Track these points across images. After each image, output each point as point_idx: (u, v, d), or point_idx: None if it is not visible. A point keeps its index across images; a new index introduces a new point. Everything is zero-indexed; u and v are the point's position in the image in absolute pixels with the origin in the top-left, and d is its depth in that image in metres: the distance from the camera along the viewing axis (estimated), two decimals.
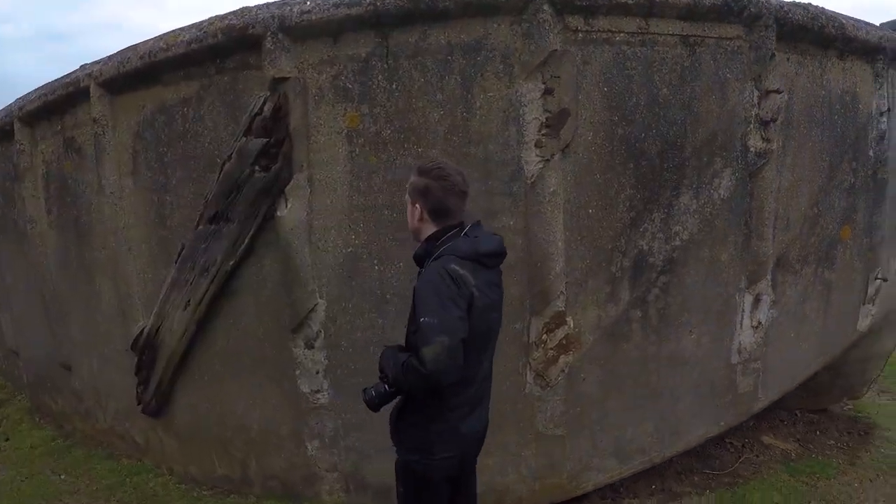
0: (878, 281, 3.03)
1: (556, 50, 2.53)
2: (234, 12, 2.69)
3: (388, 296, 2.81)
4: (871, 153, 3.14)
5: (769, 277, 2.98)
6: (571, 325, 2.85)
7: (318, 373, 2.93)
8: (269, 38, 2.57)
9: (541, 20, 2.51)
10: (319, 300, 2.83)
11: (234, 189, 2.71)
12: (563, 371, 2.84)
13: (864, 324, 3.22)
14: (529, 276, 2.73)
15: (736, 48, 2.74)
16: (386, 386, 1.95)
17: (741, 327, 3.01)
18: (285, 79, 2.60)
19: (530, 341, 2.76)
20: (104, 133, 3.06)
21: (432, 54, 2.58)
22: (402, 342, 2.02)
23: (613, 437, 3.04)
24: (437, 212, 1.99)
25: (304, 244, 2.76)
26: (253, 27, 2.59)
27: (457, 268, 1.90)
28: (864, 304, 3.19)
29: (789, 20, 2.75)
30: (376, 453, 2.91)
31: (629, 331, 2.92)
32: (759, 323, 2.98)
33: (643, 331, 2.94)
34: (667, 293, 2.92)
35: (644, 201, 2.79)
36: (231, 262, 2.86)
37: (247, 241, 2.79)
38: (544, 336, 2.76)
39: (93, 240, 3.38)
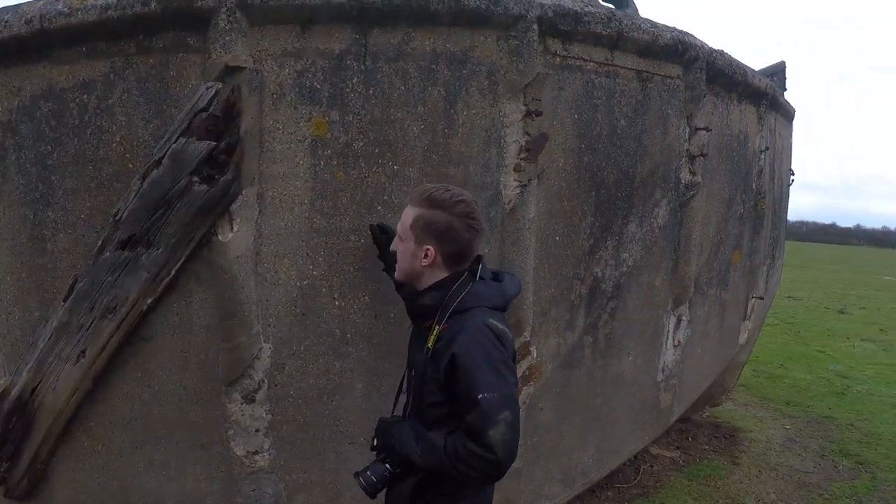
0: (755, 299, 3.54)
1: (539, 72, 2.44)
2: None
3: (348, 336, 2.39)
4: (754, 186, 3.63)
5: (697, 300, 3.26)
6: (535, 356, 2.74)
7: (257, 430, 2.37)
8: (223, 15, 2.01)
9: (529, 39, 2.38)
10: (264, 344, 2.31)
11: (163, 205, 2.05)
12: (525, 403, 2.73)
13: (743, 338, 3.72)
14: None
15: (676, 87, 2.93)
16: (389, 467, 1.69)
17: (665, 347, 3.23)
18: (239, 69, 2.06)
19: None
20: None
21: (416, 60, 2.28)
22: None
23: (563, 463, 3.00)
24: (455, 256, 1.68)
25: (250, 276, 2.21)
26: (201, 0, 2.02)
27: (497, 323, 1.64)
28: (744, 320, 3.69)
29: (715, 65, 3.02)
30: None
31: (582, 357, 2.91)
32: (679, 342, 3.23)
33: (593, 356, 2.96)
34: (613, 318, 2.99)
35: (601, 229, 2.83)
36: (150, 300, 2.18)
37: (173, 272, 2.16)
38: None
39: None
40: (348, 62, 2.21)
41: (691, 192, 3.04)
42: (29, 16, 2.02)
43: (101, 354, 2.19)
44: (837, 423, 4.90)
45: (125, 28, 2.04)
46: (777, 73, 3.77)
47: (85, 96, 2.13)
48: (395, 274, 1.80)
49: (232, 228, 2.15)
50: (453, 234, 1.64)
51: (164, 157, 2.04)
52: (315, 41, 2.18)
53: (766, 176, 3.59)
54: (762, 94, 3.48)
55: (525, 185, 2.51)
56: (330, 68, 2.20)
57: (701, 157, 2.99)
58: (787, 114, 3.97)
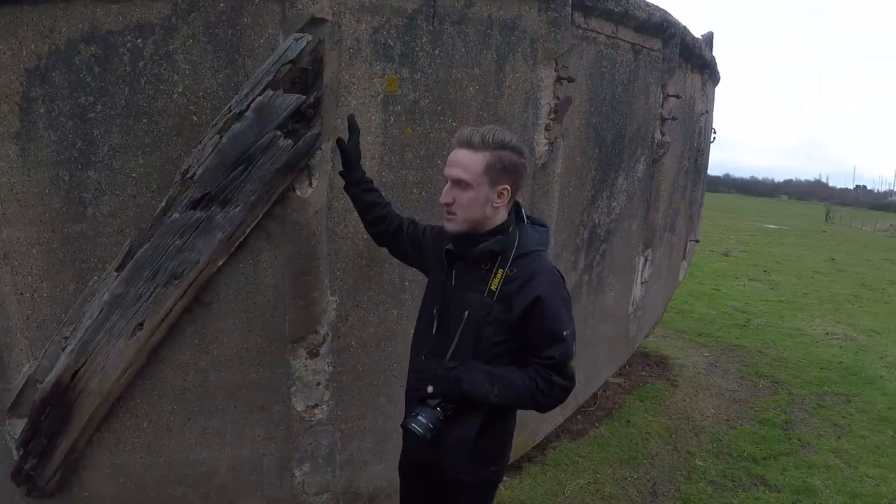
0: (692, 242, 4.11)
1: (570, 43, 2.59)
2: None
3: (406, 283, 2.46)
4: (696, 144, 4.14)
5: (660, 243, 3.73)
6: None
7: (318, 384, 2.37)
8: None
9: (565, 13, 2.51)
10: (331, 297, 2.29)
11: (244, 161, 1.90)
12: None
13: (682, 275, 4.31)
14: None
15: (657, 59, 3.25)
16: (441, 411, 1.65)
17: (636, 284, 3.69)
18: (322, 22, 1.94)
19: None
20: None
21: (475, 25, 2.31)
22: (425, 337, 1.75)
23: None
24: (517, 195, 1.71)
25: (323, 232, 2.18)
26: None
27: (556, 267, 1.76)
28: (683, 259, 4.27)
29: (686, 41, 3.40)
30: (372, 459, 2.59)
31: (580, 293, 3.25)
32: (645, 279, 3.71)
33: (587, 293, 3.31)
34: (604, 259, 3.36)
35: (600, 181, 3.13)
36: (220, 263, 2.03)
37: (248, 231, 2.02)
38: None
39: None
40: (419, 22, 2.19)
41: (662, 151, 3.44)
42: None
43: (161, 326, 2.00)
44: (747, 350, 5.54)
45: None
46: (708, 42, 4.29)
47: (140, 41, 1.86)
48: (453, 226, 1.68)
49: (311, 184, 2.07)
50: (524, 170, 1.68)
51: (246, 109, 1.88)
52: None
53: (704, 135, 4.14)
54: (707, 65, 3.97)
55: (553, 143, 2.71)
56: (402, 26, 2.16)
57: (671, 120, 3.40)
58: (716, 80, 4.56)
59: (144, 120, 1.91)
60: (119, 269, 1.95)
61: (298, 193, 2.06)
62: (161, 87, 1.90)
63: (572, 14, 2.59)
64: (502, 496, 2.80)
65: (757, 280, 9.62)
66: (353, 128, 1.92)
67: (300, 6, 1.90)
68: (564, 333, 1.63)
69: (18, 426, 2.03)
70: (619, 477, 3.10)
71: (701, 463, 3.25)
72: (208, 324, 2.14)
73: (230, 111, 1.90)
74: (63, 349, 1.98)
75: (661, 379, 4.51)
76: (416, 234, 1.92)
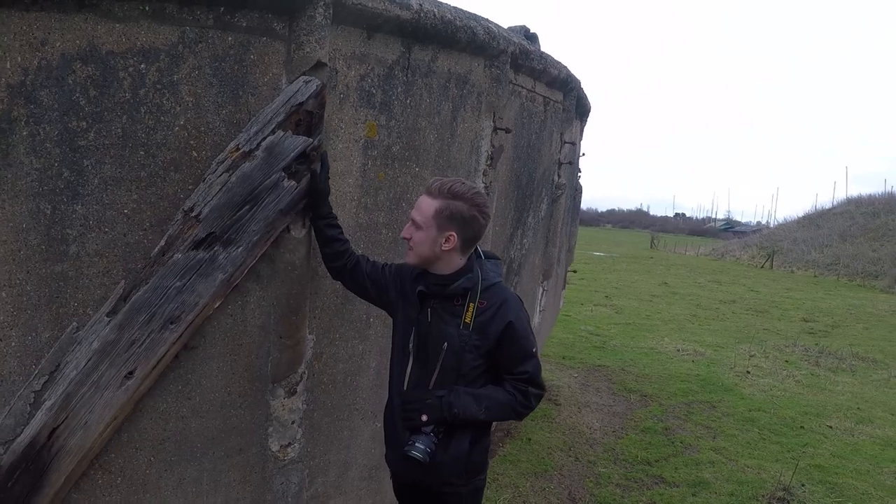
0: (570, 272, 4.69)
1: (507, 97, 2.94)
2: None
3: (371, 319, 2.53)
4: (574, 183, 4.75)
5: (553, 274, 4.20)
6: None
7: (293, 423, 2.30)
8: (320, 8, 1.92)
9: (505, 70, 2.85)
10: (309, 335, 2.26)
11: (251, 200, 1.84)
12: None
13: (562, 302, 4.84)
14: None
15: (558, 110, 3.77)
16: (434, 436, 1.81)
17: (536, 312, 4.11)
18: (322, 66, 1.98)
19: None
20: None
21: (438, 78, 2.52)
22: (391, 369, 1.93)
23: None
24: (470, 241, 1.85)
25: (308, 271, 2.16)
26: None
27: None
28: (563, 288, 4.82)
29: (580, 92, 3.99)
30: (334, 493, 2.58)
31: None
32: (542, 307, 4.15)
33: None
34: (516, 290, 3.73)
35: (516, 220, 3.50)
36: (216, 305, 1.89)
37: (244, 272, 1.92)
38: None
39: None
40: (396, 72, 2.34)
41: (559, 192, 3.97)
42: None
43: (151, 374, 1.83)
44: (611, 369, 5.88)
45: None
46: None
47: (143, 66, 1.73)
48: (409, 259, 1.89)
49: (304, 224, 2.06)
50: (474, 221, 1.80)
51: (256, 149, 1.85)
52: (376, 48, 2.24)
53: (579, 175, 4.82)
54: (587, 111, 4.66)
55: (488, 187, 3.02)
56: (383, 76, 2.29)
57: (567, 164, 3.95)
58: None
59: (142, 152, 1.77)
60: (111, 314, 1.74)
61: (293, 234, 2.05)
62: (162, 118, 1.78)
63: (509, 71, 2.97)
64: None
65: (602, 305, 10.12)
66: (324, 164, 2.03)
67: (307, 49, 1.94)
68: (534, 350, 1.87)
69: None
70: (537, 488, 3.39)
71: (604, 469, 3.65)
72: (193, 369, 1.99)
73: (238, 149, 1.85)
74: (38, 405, 1.69)
75: (544, 399, 4.95)
76: (375, 273, 2.04)
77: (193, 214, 1.81)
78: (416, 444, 1.78)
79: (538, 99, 3.42)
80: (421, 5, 2.27)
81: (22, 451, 1.69)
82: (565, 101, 3.80)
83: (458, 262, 1.86)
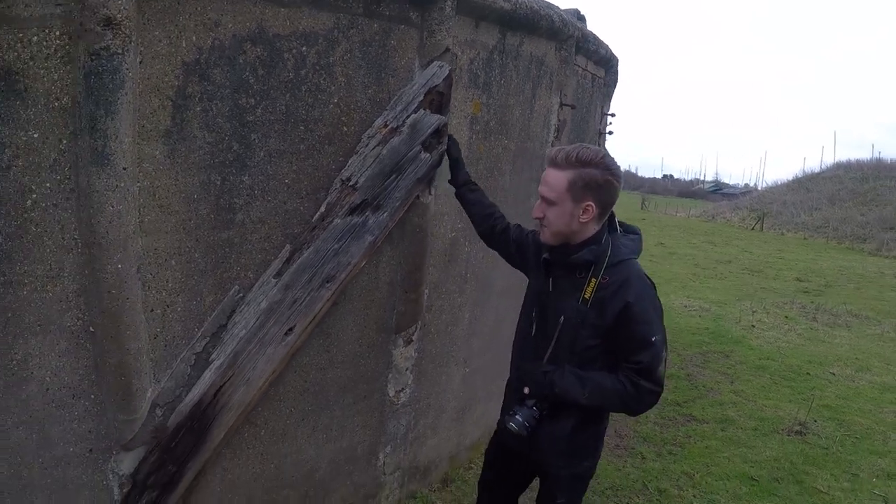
0: None
1: (571, 76, 3.12)
2: None
3: (468, 275, 2.73)
4: None
5: None
6: None
7: (406, 370, 2.51)
8: (450, 0, 2.05)
9: (571, 52, 3.01)
10: (424, 290, 2.47)
11: (396, 171, 1.96)
12: None
13: None
14: None
15: (601, 84, 3.86)
16: (537, 410, 1.72)
17: None
18: (447, 51, 2.13)
19: None
20: (122, 53, 1.43)
21: (522, 60, 2.66)
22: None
23: None
24: (606, 210, 1.68)
25: (429, 233, 2.35)
26: None
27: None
28: None
29: (617, 69, 4.14)
30: (430, 434, 2.81)
31: None
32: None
33: None
34: None
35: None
36: (363, 265, 2.08)
37: (386, 234, 2.11)
38: None
39: (40, 254, 1.50)
40: (494, 56, 2.45)
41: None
42: None
43: (307, 328, 1.96)
44: None
45: None
46: None
47: (304, 48, 1.78)
48: (545, 238, 1.73)
49: (430, 192, 2.24)
50: (609, 186, 1.63)
51: (402, 125, 1.96)
52: (481, 35, 2.34)
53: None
54: (616, 83, 4.87)
55: None
56: (486, 59, 2.40)
57: (607, 134, 4.17)
58: None
59: (301, 127, 1.84)
60: (277, 275, 1.85)
61: (422, 200, 2.20)
62: (319, 96, 1.85)
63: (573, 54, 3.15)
64: None
65: None
66: (451, 138, 2.13)
67: (438, 37, 2.04)
68: (653, 339, 1.61)
69: (129, 460, 1.74)
70: None
71: (616, 416, 3.93)
72: (333, 323, 2.12)
73: (386, 126, 1.98)
74: (202, 366, 1.78)
75: None
76: (520, 238, 1.97)
77: (351, 184, 1.95)
78: (516, 416, 1.70)
79: (588, 76, 3.57)
80: None
81: (189, 412, 1.76)
82: (607, 76, 3.97)
83: (593, 232, 1.69)
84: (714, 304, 7.37)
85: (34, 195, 1.50)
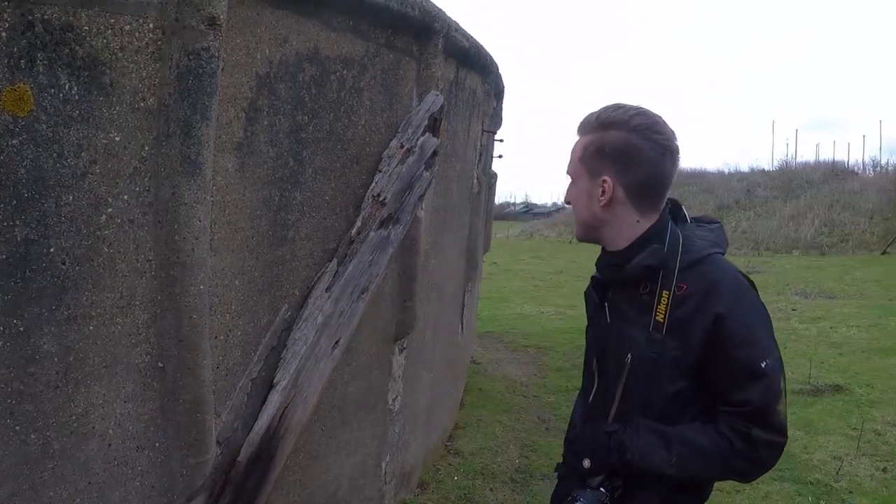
0: None
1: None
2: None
3: (433, 285, 2.82)
4: None
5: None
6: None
7: (399, 377, 2.49)
8: (441, 38, 2.18)
9: (493, 84, 3.38)
10: (417, 299, 2.48)
11: (408, 187, 1.98)
12: None
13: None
14: (469, 260, 3.48)
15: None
16: (606, 493, 1.15)
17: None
18: (436, 82, 2.25)
19: None
20: (218, 57, 1.25)
21: (466, 92, 2.92)
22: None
23: None
24: (642, 188, 1.15)
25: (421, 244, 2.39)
26: (437, 22, 2.11)
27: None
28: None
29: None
30: (412, 439, 2.83)
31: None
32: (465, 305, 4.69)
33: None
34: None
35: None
36: (384, 276, 2.02)
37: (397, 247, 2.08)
38: None
39: (111, 280, 1.18)
40: (452, 89, 2.67)
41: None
42: None
43: (345, 338, 1.88)
44: (497, 333, 6.01)
45: (388, 20, 1.87)
46: None
47: (345, 71, 1.75)
48: (576, 232, 1.27)
49: (422, 207, 2.30)
50: (638, 155, 1.11)
51: (415, 146, 2.02)
52: (450, 70, 2.55)
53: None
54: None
55: (479, 179, 3.53)
56: (447, 90, 2.60)
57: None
58: None
59: (339, 146, 1.78)
60: (328, 289, 1.74)
61: (418, 214, 2.29)
62: (352, 117, 1.82)
63: None
64: None
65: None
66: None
67: (433, 69, 2.18)
68: (763, 365, 1.07)
69: None
70: (513, 419, 3.76)
71: (550, 399, 4.25)
72: (352, 336, 2.07)
73: (402, 146, 2.03)
74: (260, 391, 1.60)
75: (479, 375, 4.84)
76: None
77: (381, 199, 1.94)
78: (579, 499, 1.15)
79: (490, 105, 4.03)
80: (469, 38, 2.69)
81: (258, 441, 1.56)
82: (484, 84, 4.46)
83: (636, 225, 1.16)
84: (566, 308, 7.82)
85: (110, 209, 1.24)
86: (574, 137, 1.23)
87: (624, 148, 1.13)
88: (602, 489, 1.16)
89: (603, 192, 1.15)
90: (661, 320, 1.12)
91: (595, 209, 1.18)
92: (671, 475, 1.12)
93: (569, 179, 1.24)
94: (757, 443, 1.08)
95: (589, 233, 1.22)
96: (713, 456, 1.10)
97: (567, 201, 1.27)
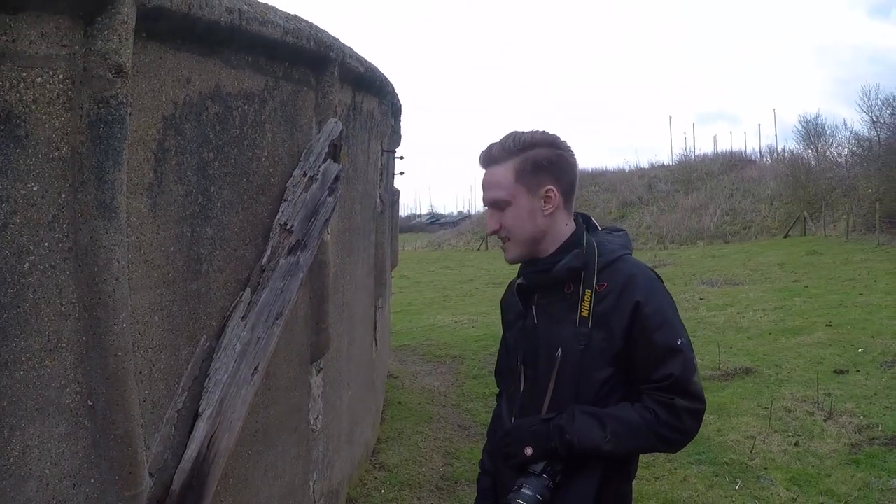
0: None
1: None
2: (316, 28, 2.31)
3: (344, 305, 3.05)
4: None
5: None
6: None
7: (319, 397, 2.70)
8: (336, 67, 2.44)
9: (390, 107, 3.69)
10: (329, 321, 2.70)
11: (313, 214, 2.21)
12: None
13: None
14: (377, 278, 3.74)
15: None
16: (547, 476, 1.29)
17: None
18: (334, 109, 2.51)
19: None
20: (126, 103, 1.40)
21: (363, 115, 3.20)
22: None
23: None
24: (569, 195, 1.38)
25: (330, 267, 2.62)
26: (332, 51, 2.36)
27: None
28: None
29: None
30: (336, 456, 3.05)
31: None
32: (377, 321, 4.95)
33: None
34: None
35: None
36: (296, 301, 2.21)
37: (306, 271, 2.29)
38: None
39: (38, 325, 1.18)
40: (350, 113, 2.95)
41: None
42: (228, 5, 1.73)
43: (263, 364, 2.06)
44: (412, 346, 6.39)
45: (287, 53, 2.10)
46: None
47: (246, 106, 1.96)
48: (510, 255, 1.42)
49: (328, 231, 2.54)
50: (563, 164, 1.36)
51: (317, 174, 2.26)
52: (347, 96, 2.82)
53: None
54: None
55: (381, 198, 3.82)
56: (346, 115, 2.87)
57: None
58: None
59: (244, 178, 1.98)
60: (244, 317, 1.93)
61: (325, 238, 2.53)
62: (255, 150, 2.03)
63: None
64: None
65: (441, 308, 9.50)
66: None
67: (330, 97, 2.44)
68: (679, 342, 1.27)
69: None
70: (434, 429, 4.09)
71: (469, 406, 4.61)
72: (270, 360, 2.26)
73: (305, 174, 2.27)
74: (187, 420, 1.76)
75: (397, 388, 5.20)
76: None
77: (288, 227, 2.16)
78: (523, 491, 1.28)
79: (389, 125, 4.35)
80: (364, 63, 3.00)
81: (189, 469, 1.71)
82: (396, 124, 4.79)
83: (565, 228, 1.39)
84: (479, 315, 8.36)
85: (32, 256, 1.38)
86: (479, 171, 1.41)
87: (555, 159, 1.35)
88: (545, 475, 1.29)
89: (549, 200, 1.35)
90: (587, 315, 1.31)
91: (540, 221, 1.35)
92: (609, 451, 1.27)
93: (490, 211, 1.40)
94: (680, 411, 1.26)
95: (532, 247, 1.38)
96: (642, 429, 1.27)
97: (493, 231, 1.41)
